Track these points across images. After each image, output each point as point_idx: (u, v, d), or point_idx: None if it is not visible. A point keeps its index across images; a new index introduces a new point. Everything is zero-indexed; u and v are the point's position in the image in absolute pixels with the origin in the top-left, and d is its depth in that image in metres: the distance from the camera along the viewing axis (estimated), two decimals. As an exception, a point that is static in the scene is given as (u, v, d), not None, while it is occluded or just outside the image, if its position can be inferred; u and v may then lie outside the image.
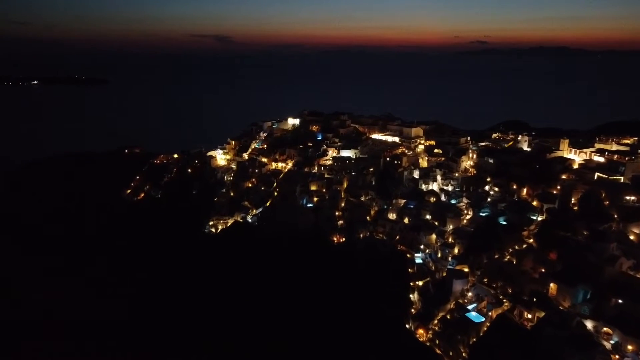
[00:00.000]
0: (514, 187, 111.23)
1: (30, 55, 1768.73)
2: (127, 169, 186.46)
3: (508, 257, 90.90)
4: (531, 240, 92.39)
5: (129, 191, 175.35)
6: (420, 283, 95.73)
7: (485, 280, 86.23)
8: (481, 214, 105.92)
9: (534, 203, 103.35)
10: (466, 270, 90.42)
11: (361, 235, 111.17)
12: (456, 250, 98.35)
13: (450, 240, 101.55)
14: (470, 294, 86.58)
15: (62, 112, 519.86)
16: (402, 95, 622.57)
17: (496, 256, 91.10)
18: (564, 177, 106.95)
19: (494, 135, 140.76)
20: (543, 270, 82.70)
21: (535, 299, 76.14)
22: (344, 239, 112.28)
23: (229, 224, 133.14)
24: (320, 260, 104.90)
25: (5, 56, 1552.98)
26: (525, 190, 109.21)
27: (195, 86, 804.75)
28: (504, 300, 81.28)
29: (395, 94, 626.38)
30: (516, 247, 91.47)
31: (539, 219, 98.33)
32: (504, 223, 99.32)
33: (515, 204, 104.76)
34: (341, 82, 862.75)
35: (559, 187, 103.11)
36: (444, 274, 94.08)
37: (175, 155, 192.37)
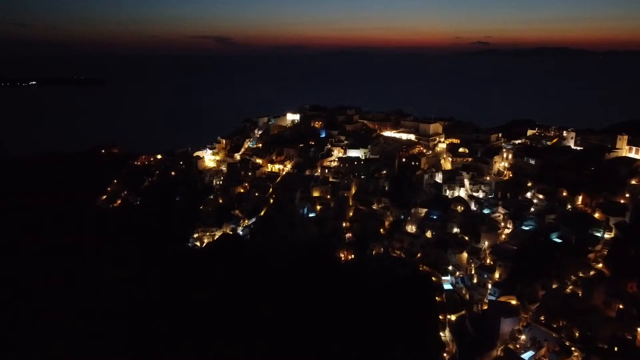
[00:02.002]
0: (564, 194, 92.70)
1: (30, 57, 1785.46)
2: (103, 171, 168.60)
3: (570, 287, 70.70)
4: (600, 265, 73.12)
5: (104, 197, 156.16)
6: (453, 317, 79.59)
7: (543, 318, 68.46)
8: (524, 227, 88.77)
9: (596, 215, 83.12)
10: (514, 302, 72.61)
11: (374, 251, 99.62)
12: (497, 275, 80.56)
13: (488, 261, 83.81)
14: (523, 336, 69.42)
15: (55, 112, 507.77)
16: (404, 95, 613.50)
17: (554, 286, 71.17)
18: (633, 182, 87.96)
19: (530, 131, 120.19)
20: (621, 306, 65.93)
21: (616, 348, 60.96)
22: (353, 256, 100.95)
23: (217, 236, 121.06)
24: (325, 282, 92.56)
25: (5, 57, 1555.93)
26: (580, 198, 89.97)
27: (195, 87, 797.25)
28: (572, 348, 63.37)
29: (397, 94, 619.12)
30: (580, 274, 72.04)
31: (606, 236, 78.19)
32: (559, 240, 79.81)
33: (571, 216, 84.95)
34: (342, 82, 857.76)
35: (628, 195, 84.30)
36: (484, 307, 77.50)
37: (159, 156, 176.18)
